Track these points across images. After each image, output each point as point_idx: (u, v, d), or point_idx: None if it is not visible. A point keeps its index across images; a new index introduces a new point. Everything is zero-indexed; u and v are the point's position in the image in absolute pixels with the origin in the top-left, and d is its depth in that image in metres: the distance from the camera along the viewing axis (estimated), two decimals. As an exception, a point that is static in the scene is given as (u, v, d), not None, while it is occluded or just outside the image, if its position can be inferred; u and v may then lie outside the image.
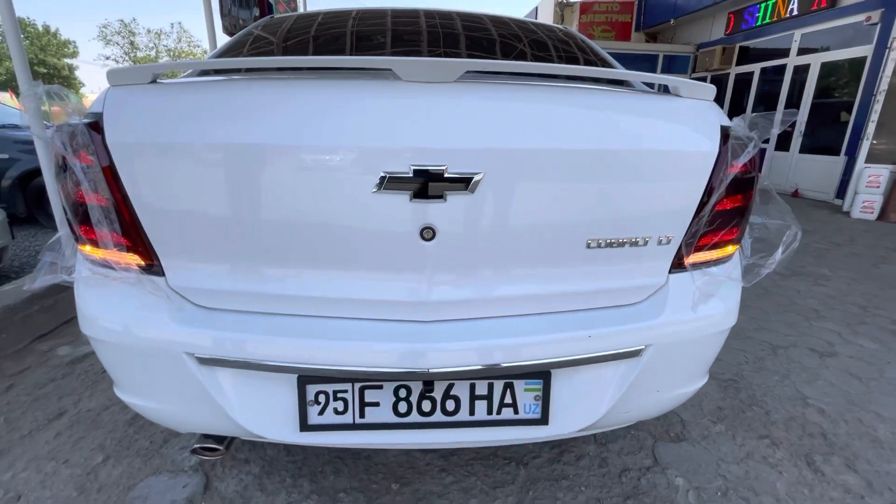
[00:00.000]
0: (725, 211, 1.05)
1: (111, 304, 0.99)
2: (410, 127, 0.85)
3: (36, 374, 2.00)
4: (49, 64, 37.39)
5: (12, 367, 2.05)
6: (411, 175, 0.85)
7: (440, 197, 0.87)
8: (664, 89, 1.03)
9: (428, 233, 0.90)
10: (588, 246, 0.97)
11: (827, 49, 7.11)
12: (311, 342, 0.94)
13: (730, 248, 1.11)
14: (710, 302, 1.06)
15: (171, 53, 40.28)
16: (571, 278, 1.00)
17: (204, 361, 0.95)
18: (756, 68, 8.61)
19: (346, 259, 0.94)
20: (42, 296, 2.40)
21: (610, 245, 0.98)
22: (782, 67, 7.94)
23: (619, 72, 0.92)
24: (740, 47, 8.97)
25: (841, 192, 6.60)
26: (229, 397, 0.98)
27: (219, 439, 1.13)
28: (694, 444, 1.64)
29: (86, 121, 0.91)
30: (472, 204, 0.89)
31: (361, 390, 1.00)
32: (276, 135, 0.86)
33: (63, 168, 0.95)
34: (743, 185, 1.04)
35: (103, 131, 0.90)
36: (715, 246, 1.07)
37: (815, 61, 7.29)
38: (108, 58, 42.54)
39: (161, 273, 0.98)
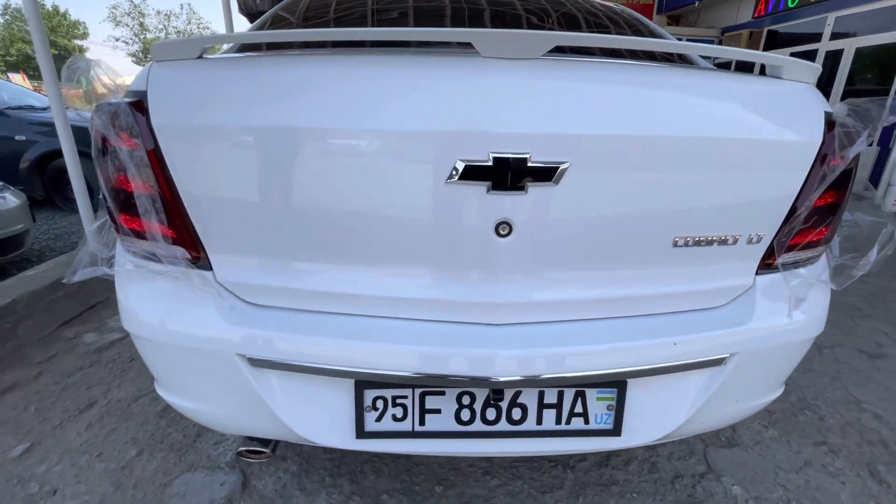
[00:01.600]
0: (821, 207, 0.95)
1: (156, 300, 0.92)
2: (490, 109, 0.76)
3: (63, 362, 1.97)
4: (59, 45, 37.36)
5: (39, 354, 2.02)
6: (491, 164, 0.76)
7: (521, 188, 0.78)
8: (726, 67, 0.93)
9: (504, 228, 0.81)
10: (675, 245, 0.88)
11: (862, 34, 6.80)
12: (370, 345, 0.87)
13: (820, 248, 1.01)
14: (800, 306, 0.97)
15: (181, 35, 40.03)
16: (653, 280, 0.91)
17: (256, 363, 0.88)
18: (785, 54, 8.29)
19: (411, 255, 0.86)
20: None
21: (698, 244, 0.89)
22: (813, 53, 7.63)
23: (718, 48, 0.82)
24: (768, 31, 8.63)
25: (873, 183, 6.38)
26: (281, 401, 0.91)
27: (264, 441, 1.08)
28: (747, 449, 1.56)
29: (128, 100, 0.83)
30: (555, 197, 0.80)
31: (422, 396, 0.92)
32: (338, 117, 0.78)
33: (103, 151, 0.87)
34: (841, 180, 0.94)
35: (147, 112, 0.82)
36: (807, 246, 0.97)
37: (849, 46, 6.98)
38: (117, 39, 42.44)
39: (208, 267, 0.91)
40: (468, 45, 0.74)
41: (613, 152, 0.79)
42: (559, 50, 0.86)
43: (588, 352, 0.88)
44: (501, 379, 0.86)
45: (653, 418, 0.96)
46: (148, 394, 1.77)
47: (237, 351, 0.87)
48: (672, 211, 0.85)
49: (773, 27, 8.51)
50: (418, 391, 0.92)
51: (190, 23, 40.05)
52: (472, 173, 0.76)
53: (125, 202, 0.89)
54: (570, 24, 1.41)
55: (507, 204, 0.79)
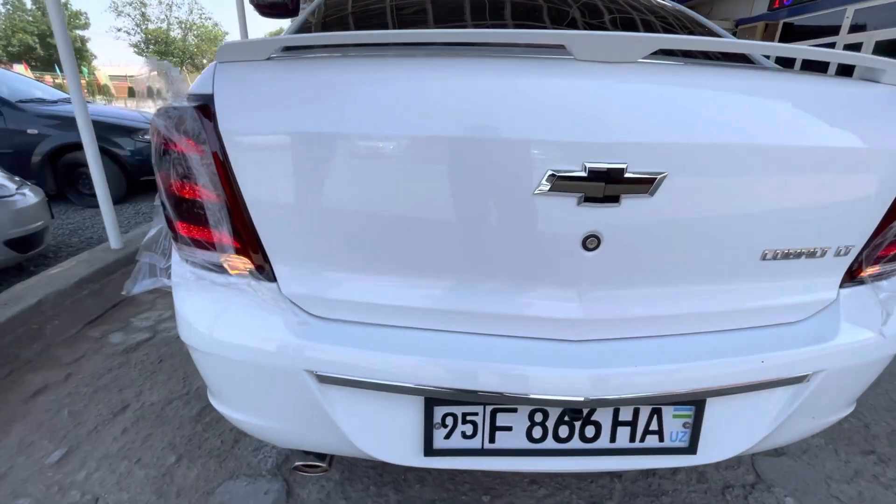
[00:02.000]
0: None
1: (217, 313, 0.88)
2: (584, 116, 0.72)
3: (92, 363, 1.94)
4: (61, 35, 37.11)
5: (67, 354, 1.99)
6: (585, 175, 0.71)
7: (615, 200, 0.74)
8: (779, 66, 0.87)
9: (592, 242, 0.77)
10: (763, 258, 0.84)
11: (883, 27, 6.67)
12: (444, 362, 0.83)
13: (905, 260, 0.97)
14: (888, 321, 0.92)
15: (183, 25, 39.76)
16: (738, 295, 0.87)
17: (324, 380, 0.85)
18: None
19: (488, 269, 0.82)
20: (90, 279, 2.33)
21: (786, 256, 0.85)
22: (831, 46, 7.50)
23: (822, 51, 0.77)
24: (784, 24, 8.48)
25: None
26: (347, 417, 0.88)
27: (321, 455, 1.04)
28: (795, 458, 1.53)
29: (194, 104, 0.79)
30: (648, 209, 0.75)
31: (493, 413, 0.89)
32: (419, 124, 0.73)
33: (164, 156, 0.83)
34: None
35: (214, 116, 0.77)
36: (894, 258, 0.93)
37: (869, 40, 6.86)
38: (119, 29, 42.20)
39: (272, 278, 0.87)
40: (547, 47, 0.70)
41: (710, 162, 0.75)
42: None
43: (670, 370, 0.85)
44: (580, 399, 0.82)
45: (729, 435, 0.93)
46: (180, 397, 1.75)
47: (306, 367, 0.84)
48: (764, 223, 0.81)
49: (790, 20, 8.36)
50: (489, 408, 0.89)
51: (192, 13, 39.72)
52: (563, 184, 0.72)
53: (187, 210, 0.85)
54: (628, 25, 1.36)
55: (598, 216, 0.75)
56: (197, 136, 0.78)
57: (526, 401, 0.84)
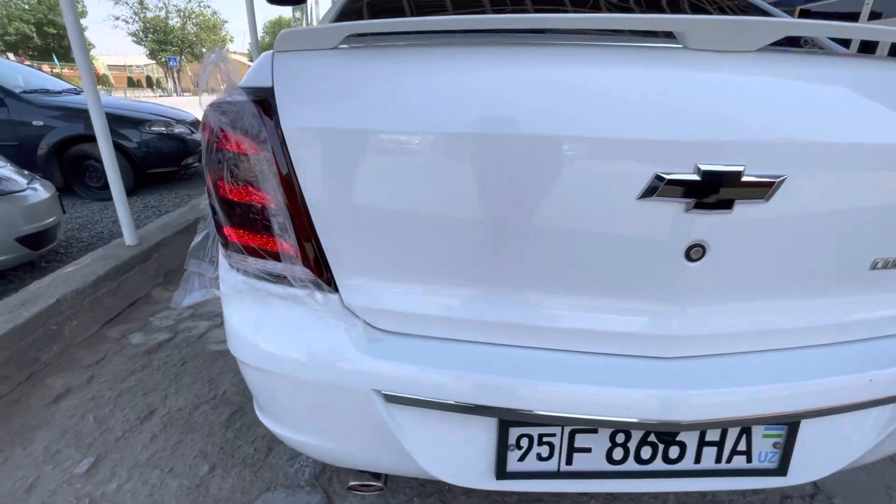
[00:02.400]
0: None
1: (272, 326, 0.81)
2: (696, 113, 0.64)
3: (114, 365, 1.88)
4: (59, 24, 36.70)
5: (88, 356, 1.93)
6: (699, 179, 0.64)
7: (727, 206, 0.66)
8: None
9: (696, 252, 0.70)
10: (873, 267, 0.77)
11: (903, 13, 6.50)
12: (523, 382, 0.76)
13: None
14: None
15: (181, 14, 39.27)
16: (845, 307, 0.80)
17: (393, 399, 0.78)
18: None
19: (575, 280, 0.75)
20: (107, 277, 2.27)
21: (894, 266, 0.78)
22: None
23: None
24: (801, 10, 8.29)
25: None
26: (414, 438, 0.81)
27: (376, 474, 0.98)
28: (854, 468, 1.47)
29: (253, 98, 0.71)
30: (762, 215, 0.68)
31: (572, 434, 0.82)
32: (507, 121, 0.66)
33: (216, 156, 0.75)
34: None
35: (276, 112, 0.69)
36: None
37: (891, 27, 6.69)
38: (117, 18, 41.66)
39: (334, 289, 0.80)
40: (642, 34, 0.62)
41: (832, 164, 0.67)
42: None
43: (771, 390, 0.78)
44: (674, 422, 0.75)
45: (822, 455, 0.86)
46: (208, 401, 1.69)
47: (373, 387, 0.77)
48: (878, 229, 0.74)
49: (806, 6, 8.16)
50: (568, 429, 0.82)
51: (190, 1, 39.18)
52: (671, 189, 0.65)
53: (240, 215, 0.77)
54: (694, 8, 1.27)
55: (706, 224, 0.68)
56: (256, 134, 0.70)
57: (612, 423, 0.78)
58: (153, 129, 4.69)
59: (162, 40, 39.20)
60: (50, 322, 1.91)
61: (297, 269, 0.78)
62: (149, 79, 46.89)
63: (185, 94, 40.75)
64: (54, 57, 35.66)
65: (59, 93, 4.76)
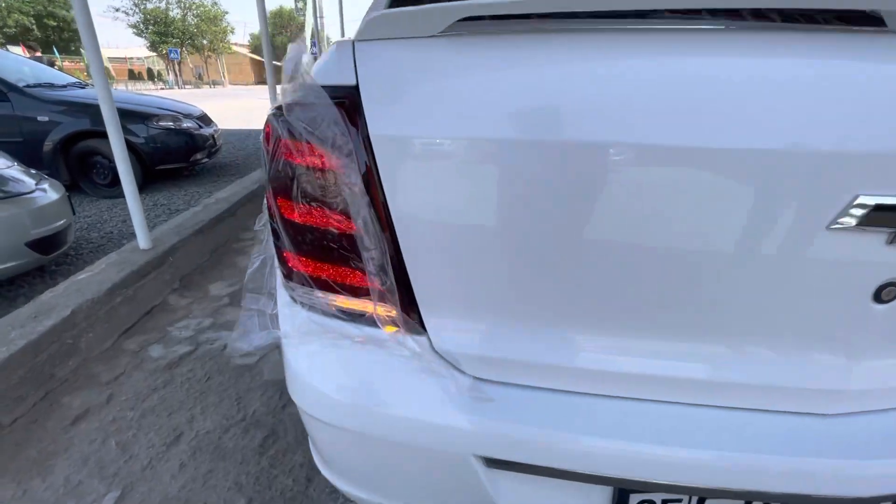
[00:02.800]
0: None
1: (349, 374, 0.68)
2: None
3: (133, 382, 1.76)
4: (58, 16, 36.42)
5: (105, 372, 1.81)
6: None
7: None
8: None
9: (890, 292, 0.56)
10: None
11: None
12: (650, 448, 0.63)
13: None
14: None
15: (182, 4, 38.85)
16: None
17: (495, 464, 0.65)
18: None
19: (729, 324, 0.61)
20: (122, 285, 2.14)
21: None
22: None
23: None
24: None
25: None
26: (515, 505, 0.68)
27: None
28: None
29: (334, 100, 0.57)
30: None
31: (700, 502, 0.69)
32: (657, 129, 0.52)
33: (282, 169, 0.61)
34: None
35: (362, 117, 0.56)
36: None
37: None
38: (117, 10, 41.31)
39: (421, 330, 0.66)
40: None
41: None
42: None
43: None
44: (843, 497, 0.62)
45: None
46: (237, 423, 1.56)
47: (475, 451, 0.64)
48: None
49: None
50: (696, 498, 0.69)
51: (190, -9, 38.79)
52: (880, 216, 0.51)
53: (311, 240, 0.64)
54: None
55: None
56: (337, 144, 0.57)
57: (759, 496, 0.64)
58: (161, 124, 4.55)
59: (162, 32, 38.80)
60: (65, 335, 1.79)
61: (380, 307, 0.65)
62: (150, 71, 46.51)
63: (186, 86, 40.46)
64: (55, 49, 35.35)
65: (64, 87, 4.61)
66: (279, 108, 0.60)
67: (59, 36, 37.54)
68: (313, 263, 0.65)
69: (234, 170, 5.61)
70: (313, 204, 0.61)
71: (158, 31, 38.51)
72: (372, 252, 0.61)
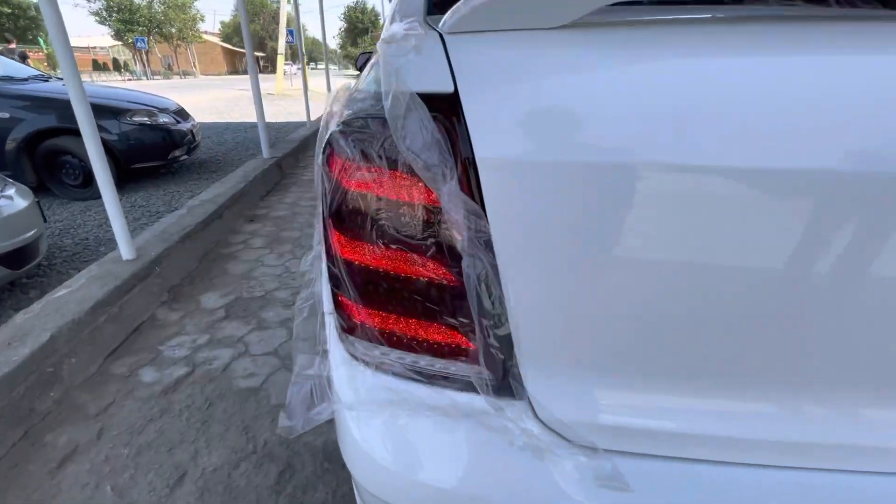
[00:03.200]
0: None
1: (437, 454, 0.55)
2: None
3: (125, 413, 1.59)
4: (12, 3, 34.35)
5: (93, 402, 1.63)
6: None
7: None
8: None
9: None
10: None
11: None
12: None
13: None
14: None
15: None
16: None
17: None
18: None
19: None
20: (106, 302, 1.94)
21: None
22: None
23: None
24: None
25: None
26: None
27: None
28: None
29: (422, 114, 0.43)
30: None
31: None
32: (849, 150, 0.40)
33: (351, 203, 0.48)
34: None
35: (466, 135, 0.42)
36: None
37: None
38: (78, -4, 39.21)
39: (516, 393, 0.54)
40: None
41: None
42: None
43: None
44: None
45: None
46: (247, 457, 1.42)
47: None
48: None
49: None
50: None
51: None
52: None
53: (389, 288, 0.50)
54: None
55: None
56: (437, 170, 0.43)
57: None
58: (134, 119, 4.26)
59: (128, 20, 36.97)
60: (45, 363, 1.60)
61: (474, 368, 0.52)
62: (115, 62, 44.36)
63: (155, 77, 38.79)
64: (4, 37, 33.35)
65: (25, 80, 4.26)
66: (347, 123, 0.46)
67: (14, 24, 35.41)
68: (389, 316, 0.51)
69: (215, 166, 5.33)
70: (395, 246, 0.47)
71: (123, 18, 36.74)
72: (471, 300, 0.48)
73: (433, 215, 0.45)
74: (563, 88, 0.42)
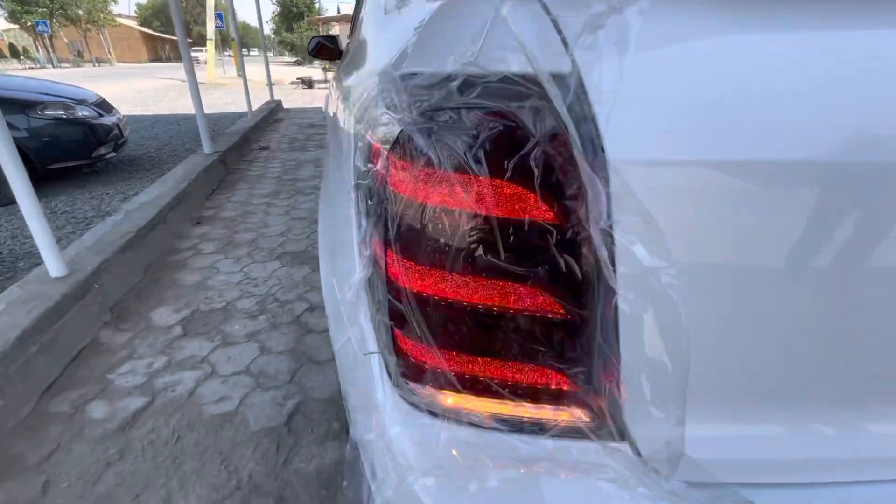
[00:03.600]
0: None
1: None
2: None
3: (75, 458, 1.36)
4: None
5: (32, 450, 1.38)
6: None
7: None
8: None
9: None
10: None
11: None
12: None
13: None
14: None
15: (46, -32, 33.16)
16: None
17: None
18: None
19: None
20: (37, 329, 1.66)
21: None
22: None
23: None
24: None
25: None
26: None
27: None
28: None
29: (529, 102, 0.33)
30: None
31: None
32: None
33: (423, 221, 0.37)
34: None
35: (594, 134, 0.33)
36: None
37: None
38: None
39: (621, 435, 0.45)
40: None
41: None
42: None
43: None
44: None
45: None
46: (231, 495, 1.26)
47: None
48: None
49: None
50: None
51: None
52: None
53: (475, 324, 0.40)
54: None
55: None
56: (556, 178, 0.33)
57: None
58: (47, 113, 3.74)
59: (25, 0, 32.81)
60: (-36, 411, 1.33)
61: (563, 409, 0.43)
62: (12, 47, 39.31)
63: (63, 64, 34.83)
64: None
65: None
66: (425, 114, 0.34)
67: None
68: (474, 359, 0.41)
69: (148, 164, 4.84)
70: (490, 276, 0.37)
71: (18, -2, 32.55)
72: (585, 337, 0.38)
73: (550, 239, 0.35)
74: (725, 68, 0.33)
